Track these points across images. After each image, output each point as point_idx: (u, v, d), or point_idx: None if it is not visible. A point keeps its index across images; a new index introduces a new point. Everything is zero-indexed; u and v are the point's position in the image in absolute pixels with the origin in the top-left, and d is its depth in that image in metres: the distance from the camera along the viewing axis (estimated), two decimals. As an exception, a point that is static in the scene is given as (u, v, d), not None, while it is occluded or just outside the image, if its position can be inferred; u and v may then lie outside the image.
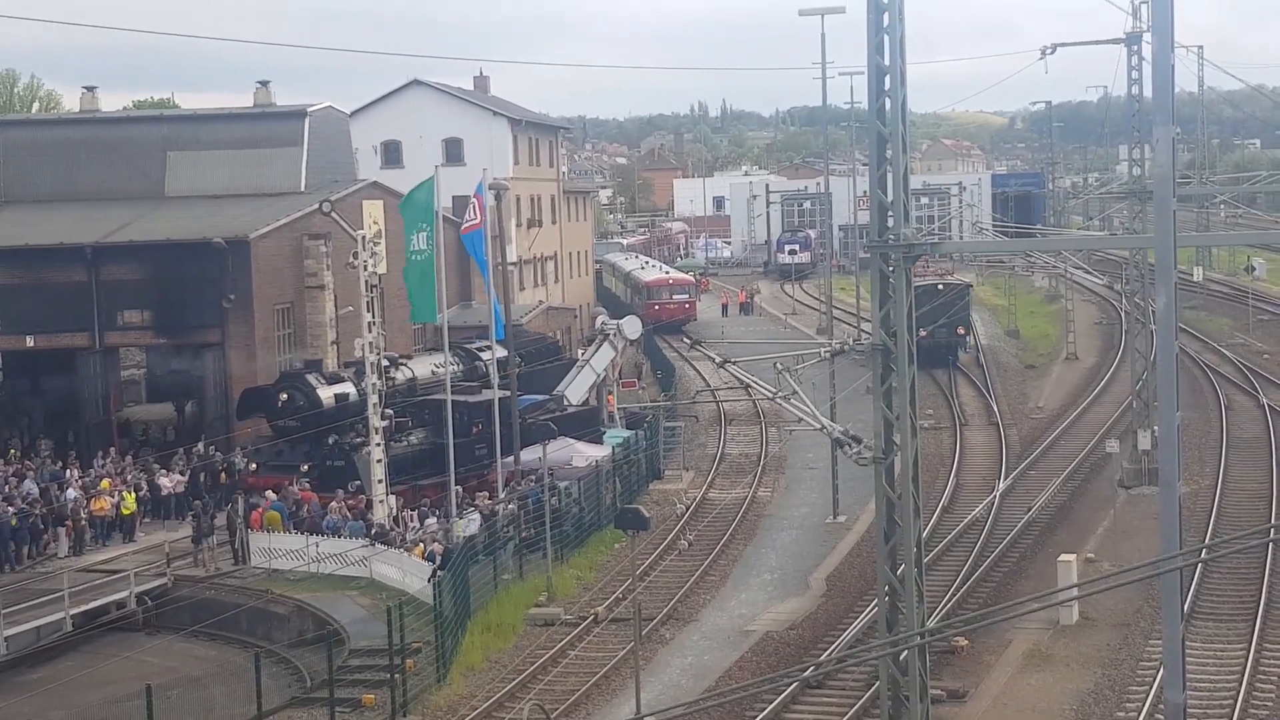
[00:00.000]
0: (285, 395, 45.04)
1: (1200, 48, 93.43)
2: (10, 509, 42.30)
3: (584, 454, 47.22)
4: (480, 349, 51.27)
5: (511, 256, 69.18)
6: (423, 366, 46.91)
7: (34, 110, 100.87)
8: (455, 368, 49.35)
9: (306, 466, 43.88)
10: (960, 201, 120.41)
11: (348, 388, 45.81)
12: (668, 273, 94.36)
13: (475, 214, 43.73)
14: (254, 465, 45.81)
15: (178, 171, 58.62)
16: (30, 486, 44.51)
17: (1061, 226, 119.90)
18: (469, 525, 39.43)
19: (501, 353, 48.25)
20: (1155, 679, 28.80)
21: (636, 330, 57.27)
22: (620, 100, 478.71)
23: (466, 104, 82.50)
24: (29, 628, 35.55)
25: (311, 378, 45.17)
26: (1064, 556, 36.44)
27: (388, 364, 47.24)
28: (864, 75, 21.74)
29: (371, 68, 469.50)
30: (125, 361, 58.20)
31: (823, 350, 24.69)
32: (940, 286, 69.37)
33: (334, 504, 41.37)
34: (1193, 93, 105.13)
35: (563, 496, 42.51)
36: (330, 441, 44.51)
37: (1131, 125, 47.98)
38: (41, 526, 42.66)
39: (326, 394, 44.98)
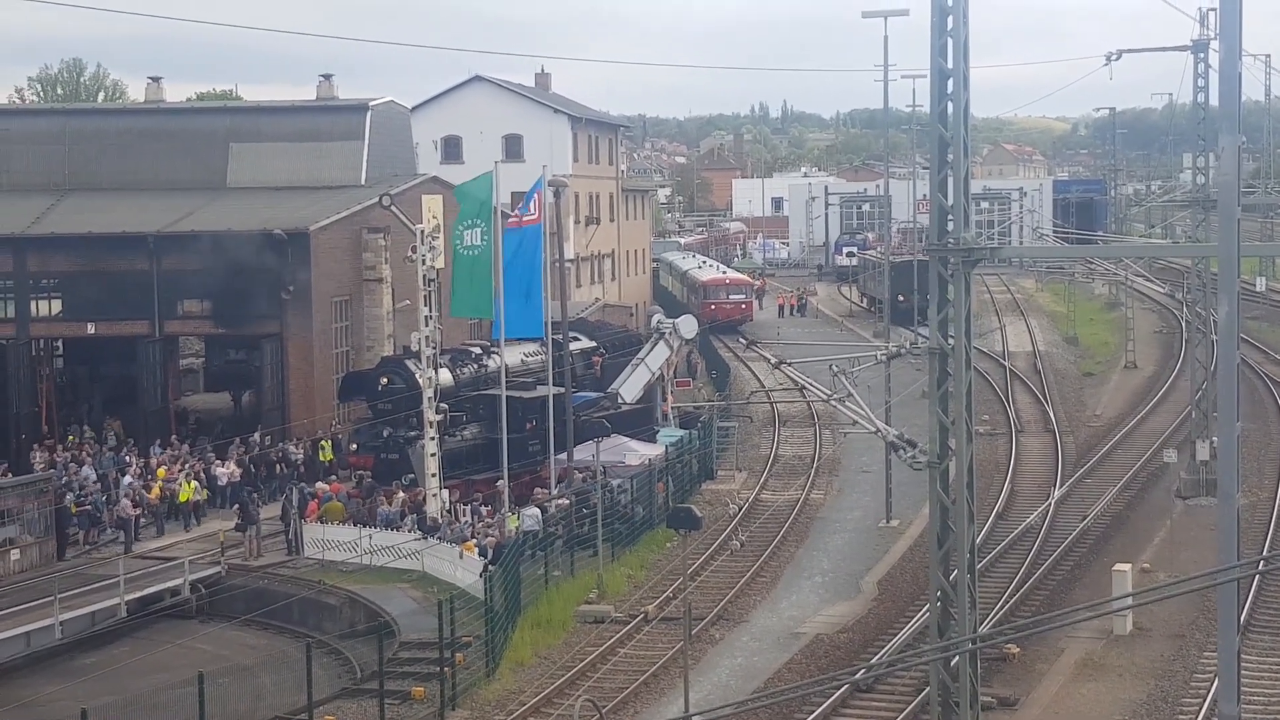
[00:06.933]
0: (386, 379, 45.67)
1: (1268, 56, 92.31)
2: (70, 495, 42.79)
3: (637, 452, 47.22)
4: (569, 340, 51.63)
5: (569, 253, 69.29)
6: (513, 355, 47.42)
7: (100, 100, 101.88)
8: (542, 358, 49.67)
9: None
10: (1021, 207, 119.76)
11: (445, 374, 46.18)
12: (725, 272, 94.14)
13: (533, 210, 43.31)
14: (354, 445, 46.62)
15: (240, 163, 59.07)
16: (89, 473, 44.98)
17: (1123, 234, 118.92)
18: (528, 521, 39.45)
19: (589, 344, 52.35)
20: (1209, 691, 28.52)
21: (692, 329, 57.18)
22: (680, 100, 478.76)
23: (527, 100, 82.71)
24: (84, 613, 35.93)
25: (410, 363, 45.68)
26: (1119, 566, 36.16)
27: (479, 352, 48.12)
28: (926, 78, 21.67)
29: (432, 64, 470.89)
30: (184, 350, 58.69)
31: (879, 353, 24.61)
32: (916, 261, 72.74)
33: (383, 495, 41.69)
34: (1259, 101, 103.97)
35: (615, 494, 42.49)
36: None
37: (1196, 133, 47.55)
38: (99, 513, 43.10)
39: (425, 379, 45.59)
